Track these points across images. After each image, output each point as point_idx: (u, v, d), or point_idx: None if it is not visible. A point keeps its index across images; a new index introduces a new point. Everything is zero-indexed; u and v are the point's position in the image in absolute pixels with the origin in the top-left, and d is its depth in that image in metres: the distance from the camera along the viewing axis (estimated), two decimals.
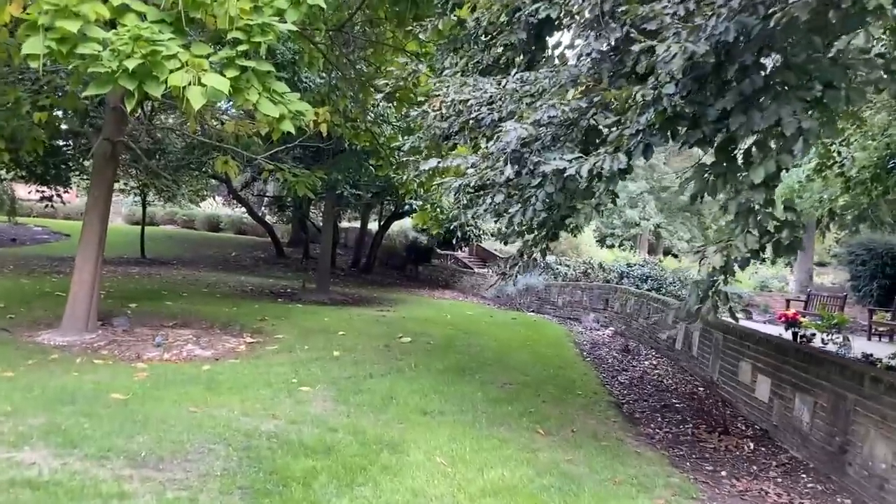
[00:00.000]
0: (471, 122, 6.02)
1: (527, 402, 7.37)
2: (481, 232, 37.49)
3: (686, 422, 7.23)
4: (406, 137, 12.87)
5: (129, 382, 6.79)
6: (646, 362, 10.69)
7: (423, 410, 6.54)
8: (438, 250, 32.89)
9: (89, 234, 10.29)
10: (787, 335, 10.02)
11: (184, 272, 22.66)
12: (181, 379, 7.16)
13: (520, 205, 5.04)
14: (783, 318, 12.55)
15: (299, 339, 10.33)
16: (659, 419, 7.33)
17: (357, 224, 36.96)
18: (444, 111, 6.48)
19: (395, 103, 13.62)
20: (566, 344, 11.72)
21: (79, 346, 9.52)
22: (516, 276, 6.39)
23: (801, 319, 12.52)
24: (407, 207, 22.34)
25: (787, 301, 19.27)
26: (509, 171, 4.57)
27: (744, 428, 7.13)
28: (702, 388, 8.99)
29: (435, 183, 11.89)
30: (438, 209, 13.87)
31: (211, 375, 7.48)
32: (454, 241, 34.56)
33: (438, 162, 5.38)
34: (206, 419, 5.56)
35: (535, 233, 6.14)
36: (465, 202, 6.48)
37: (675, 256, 50.04)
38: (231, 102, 9.91)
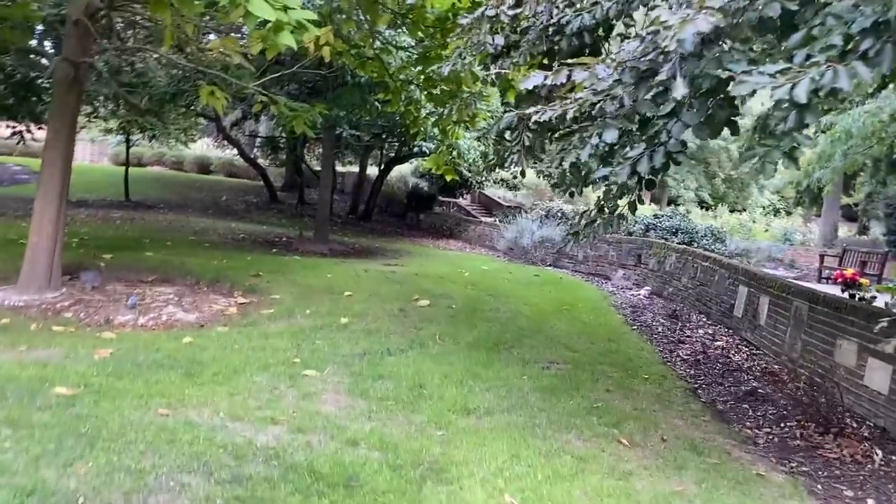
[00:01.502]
0: (550, 28, 4.41)
1: (587, 390, 5.92)
2: (484, 179, 35.89)
3: (785, 417, 5.81)
4: (418, 67, 11.19)
5: (86, 366, 5.27)
6: (700, 331, 9.25)
7: (464, 408, 5.07)
8: (441, 197, 31.23)
9: (50, 174, 8.64)
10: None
11: (170, 217, 21.03)
12: (154, 359, 5.65)
13: (644, 145, 3.44)
14: (840, 279, 11.15)
15: (299, 301, 8.82)
16: (750, 413, 5.90)
17: (354, 168, 35.17)
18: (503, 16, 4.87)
19: (408, 25, 11.87)
20: (605, 308, 10.27)
21: (37, 307, 7.99)
22: (593, 237, 4.85)
23: (862, 280, 11.12)
24: (416, 150, 20.59)
25: (821, 256, 17.87)
26: (681, 89, 2.93)
27: (855, 426, 5.72)
28: (777, 366, 7.58)
29: (483, 117, 10.22)
30: (455, 152, 12.20)
31: (192, 353, 5.97)
32: (458, 188, 32.95)
33: (546, 77, 3.74)
34: (180, 428, 4.07)
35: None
36: (528, 142, 4.92)
37: (677, 205, 48.56)
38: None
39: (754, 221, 33.05)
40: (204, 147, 47.40)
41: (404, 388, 5.46)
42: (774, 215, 42.98)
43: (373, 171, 31.85)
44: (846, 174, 22.13)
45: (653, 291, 12.26)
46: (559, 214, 19.43)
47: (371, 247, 18.74)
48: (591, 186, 5.22)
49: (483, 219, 27.03)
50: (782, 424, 5.60)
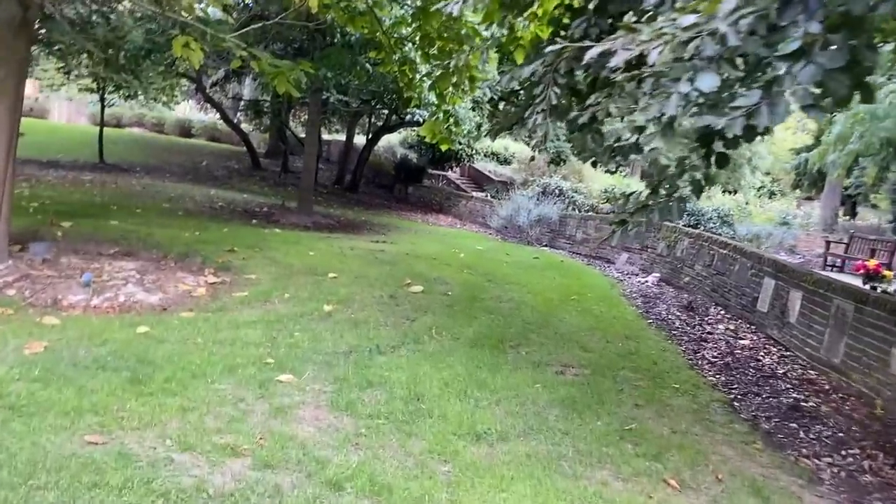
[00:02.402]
0: None
1: (613, 405, 5.03)
2: (473, 151, 34.83)
3: (843, 441, 4.95)
4: (415, 23, 10.11)
5: (9, 366, 4.29)
6: (720, 327, 8.39)
7: (472, 430, 4.15)
8: (430, 170, 30.14)
9: None
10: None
11: (145, 181, 19.87)
12: (97, 356, 4.67)
13: (759, 92, 2.49)
14: (862, 270, 10.35)
15: (277, 283, 7.85)
16: (801, 435, 5.04)
17: (340, 137, 33.92)
18: None
19: None
20: (616, 298, 9.37)
21: None
22: (645, 225, 3.93)
23: (886, 273, 10.34)
24: (408, 118, 19.46)
25: (827, 242, 17.12)
26: (815, 24, 2.01)
27: None
28: (814, 373, 6.73)
29: (484, 78, 9.19)
30: (453, 119, 11.16)
31: (145, 348, 5.00)
32: (448, 161, 31.89)
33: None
34: (111, 465, 3.12)
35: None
36: (555, 100, 3.97)
37: None
38: None
39: (747, 203, 32.34)
40: (187, 110, 45.86)
41: (398, 400, 4.53)
42: (770, 197, 42.35)
43: (360, 140, 30.66)
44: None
45: (662, 278, 11.39)
46: (556, 192, 18.48)
47: (357, 220, 17.72)
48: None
49: (474, 193, 26.03)
50: (843, 452, 4.75)
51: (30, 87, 44.91)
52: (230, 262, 8.70)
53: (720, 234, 13.37)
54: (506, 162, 35.97)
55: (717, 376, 6.37)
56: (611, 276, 11.80)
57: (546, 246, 16.01)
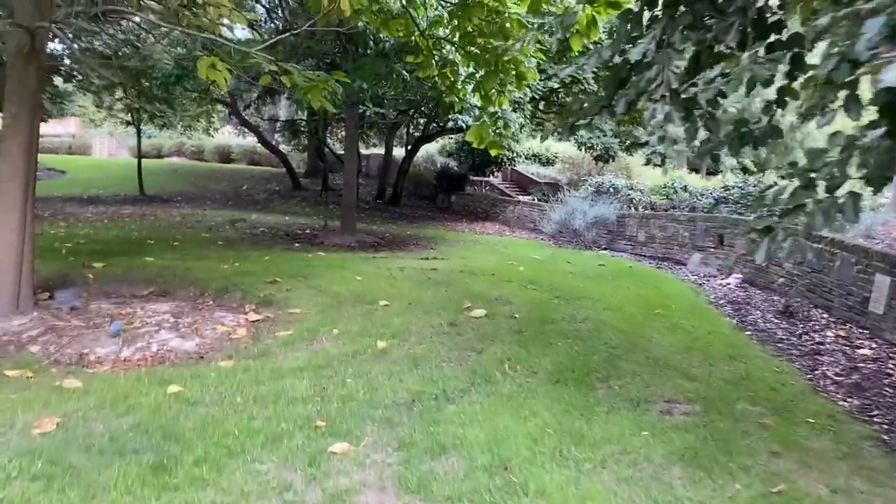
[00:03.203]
0: None
1: (744, 455, 4.05)
2: (515, 154, 33.93)
3: None
4: (454, 21, 9.29)
5: (9, 456, 3.54)
6: (829, 334, 7.29)
7: None
8: (471, 177, 29.29)
9: (9, 172, 6.90)
10: None
11: (185, 211, 19.44)
12: (115, 434, 3.91)
13: None
14: None
15: (325, 316, 7.05)
16: None
17: (377, 150, 33.35)
18: None
19: None
20: (703, 307, 8.34)
21: None
22: (807, 233, 2.98)
23: None
24: (449, 125, 18.63)
25: None
26: None
27: None
28: None
29: (532, 77, 8.35)
30: (501, 122, 10.25)
31: (174, 417, 4.22)
32: (488, 166, 31.04)
33: None
34: None
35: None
36: (675, 82, 3.08)
37: (716, 174, 45.79)
38: None
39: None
40: (226, 135, 45.99)
41: (480, 470, 3.64)
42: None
43: (398, 152, 30.02)
44: None
45: (745, 280, 10.27)
46: (611, 190, 17.40)
47: (402, 235, 16.95)
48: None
49: (519, 198, 25.08)
50: None
51: (73, 125, 45.69)
52: (272, 296, 7.95)
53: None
54: (549, 163, 34.92)
55: (850, 400, 5.32)
56: (687, 280, 10.72)
57: (605, 249, 14.97)
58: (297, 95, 10.06)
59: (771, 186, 3.35)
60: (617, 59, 3.90)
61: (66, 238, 11.94)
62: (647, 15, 3.86)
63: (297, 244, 13.79)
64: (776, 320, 7.82)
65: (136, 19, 21.11)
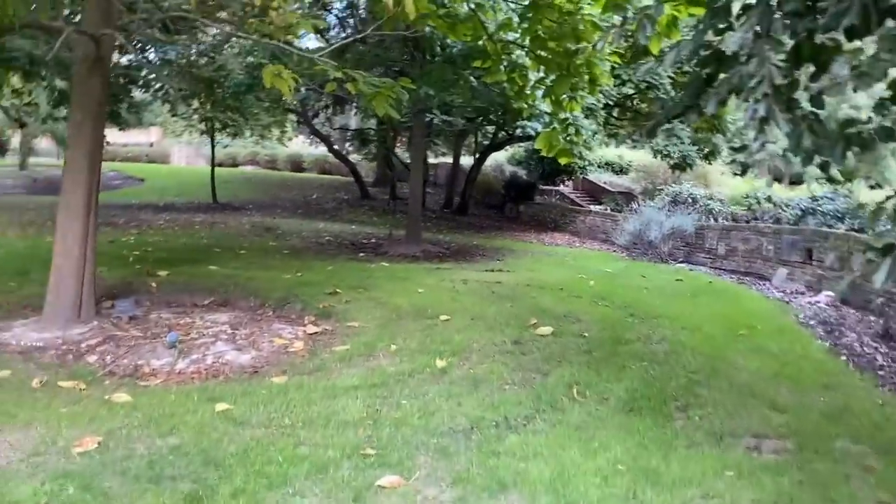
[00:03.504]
0: None
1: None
2: (586, 163, 33.09)
3: None
4: (524, 24, 8.93)
5: (42, 479, 3.37)
6: None
7: None
8: (541, 186, 28.70)
9: (73, 180, 6.95)
10: None
11: (255, 219, 19.65)
12: (155, 458, 3.69)
13: None
14: None
15: (383, 331, 6.77)
16: None
17: (445, 159, 33.17)
18: None
19: None
20: (792, 328, 7.67)
21: (56, 348, 6.32)
22: None
23: None
24: (517, 132, 18.21)
25: None
26: None
27: None
28: None
29: (606, 81, 8.01)
30: (573, 128, 9.78)
31: (219, 438, 4.00)
32: (558, 175, 30.43)
33: None
34: None
35: None
36: (777, 77, 2.64)
37: (798, 183, 43.61)
38: None
39: None
40: (299, 144, 46.83)
41: None
42: None
43: (467, 161, 29.75)
44: None
45: (836, 298, 9.48)
46: (689, 200, 16.62)
47: (468, 246, 16.61)
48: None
49: (591, 207, 24.40)
50: None
51: (153, 134, 47.35)
52: (332, 308, 7.73)
53: None
54: (622, 171, 33.98)
55: None
56: (772, 297, 9.98)
57: (682, 262, 14.24)
58: (362, 103, 9.89)
59: (890, 197, 2.85)
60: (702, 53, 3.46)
61: (136, 245, 12.12)
62: (736, 5, 3.41)
63: (361, 254, 13.65)
64: (874, 344, 7.10)
65: (210, 30, 21.58)
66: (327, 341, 6.67)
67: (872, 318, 8.39)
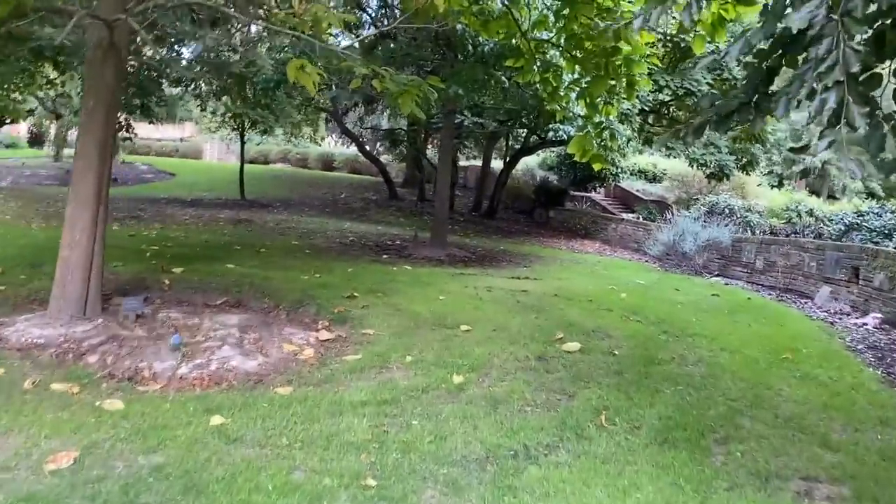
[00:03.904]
0: None
1: None
2: (619, 170, 32.46)
3: None
4: (560, 22, 8.52)
5: (18, 493, 3.02)
6: None
7: None
8: (572, 192, 28.12)
9: (82, 169, 6.66)
10: None
11: (281, 217, 19.46)
12: (134, 477, 3.33)
13: None
14: None
15: (399, 340, 6.38)
16: None
17: (476, 162, 32.75)
18: None
19: None
20: (840, 353, 7.10)
21: (56, 346, 6.01)
22: None
23: None
24: (550, 136, 17.72)
25: None
26: None
27: None
28: None
29: (645, 84, 7.61)
30: (607, 133, 9.30)
31: (207, 458, 3.63)
32: (590, 181, 29.85)
33: None
34: None
35: None
36: (852, 61, 2.17)
37: (835, 198, 42.25)
38: None
39: None
40: (332, 144, 46.76)
41: None
42: None
43: (497, 164, 29.29)
44: None
45: (886, 320, 8.86)
46: (726, 211, 15.98)
47: (495, 251, 16.17)
48: None
49: (623, 215, 23.79)
50: None
51: (188, 129, 47.65)
52: (348, 313, 7.35)
53: None
54: (655, 180, 33.25)
55: None
56: (815, 317, 9.38)
57: (717, 276, 13.63)
58: (389, 101, 9.55)
59: None
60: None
61: (156, 240, 11.90)
62: None
63: (385, 255, 13.29)
64: None
65: (243, 27, 21.38)
66: (340, 349, 6.30)
67: None
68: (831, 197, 43.24)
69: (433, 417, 4.55)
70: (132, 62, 14.90)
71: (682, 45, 19.16)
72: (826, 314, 9.55)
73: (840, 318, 9.26)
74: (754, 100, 2.95)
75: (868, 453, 4.46)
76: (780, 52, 2.84)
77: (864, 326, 8.67)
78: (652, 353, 6.30)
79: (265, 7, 8.39)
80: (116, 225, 14.12)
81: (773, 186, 36.53)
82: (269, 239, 13.78)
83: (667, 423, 4.68)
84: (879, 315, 8.95)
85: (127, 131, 18.40)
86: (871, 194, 45.71)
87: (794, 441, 4.55)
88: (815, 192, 45.15)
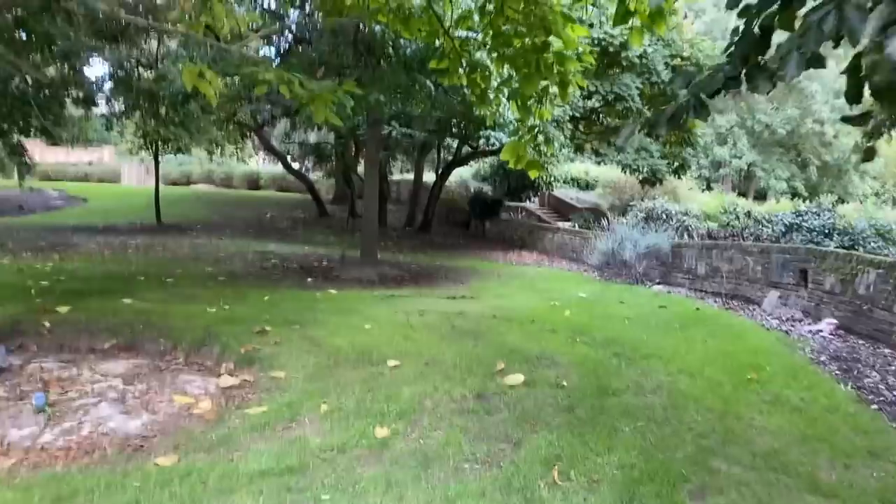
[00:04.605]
0: None
1: None
2: (552, 178, 32.20)
3: None
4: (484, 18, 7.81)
5: None
6: None
7: None
8: (507, 202, 27.61)
9: None
10: None
11: (199, 241, 18.18)
12: None
13: None
14: None
15: (314, 383, 5.45)
16: None
17: (409, 176, 31.96)
18: None
19: None
20: (806, 368, 6.50)
21: None
22: None
23: None
24: (481, 144, 17.02)
25: None
26: None
27: None
28: None
29: (579, 82, 6.89)
30: (542, 136, 8.57)
31: None
32: (524, 191, 29.47)
33: None
34: None
35: None
36: None
37: (764, 198, 43.30)
38: None
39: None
40: (262, 162, 45.22)
41: None
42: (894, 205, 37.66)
43: (430, 177, 28.58)
44: None
45: (840, 326, 8.41)
46: (664, 216, 15.59)
47: (431, 267, 15.34)
48: None
49: (559, 224, 23.34)
50: None
51: (106, 153, 45.28)
52: (256, 352, 6.37)
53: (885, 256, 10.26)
54: (588, 187, 33.18)
55: None
56: (768, 325, 8.86)
57: (659, 283, 13.14)
58: (299, 108, 8.64)
59: None
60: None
61: (50, 274, 10.60)
62: None
63: (309, 279, 12.28)
64: None
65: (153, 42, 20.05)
66: (243, 398, 5.33)
67: (888, 350, 7.30)
68: (758, 198, 44.24)
69: (348, 489, 3.66)
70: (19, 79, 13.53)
71: (611, 49, 18.93)
72: (777, 321, 9.05)
73: (793, 326, 8.76)
74: (743, 72, 2.21)
75: (865, 496, 3.78)
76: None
77: (820, 333, 8.18)
78: (604, 382, 5.54)
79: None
80: (8, 258, 12.69)
81: (703, 190, 36.98)
82: (181, 266, 12.59)
83: (630, 473, 3.90)
84: (833, 321, 8.49)
85: (22, 155, 16.79)
86: (794, 194, 46.98)
87: (779, 486, 3.84)
88: (742, 193, 46.01)
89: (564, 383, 5.48)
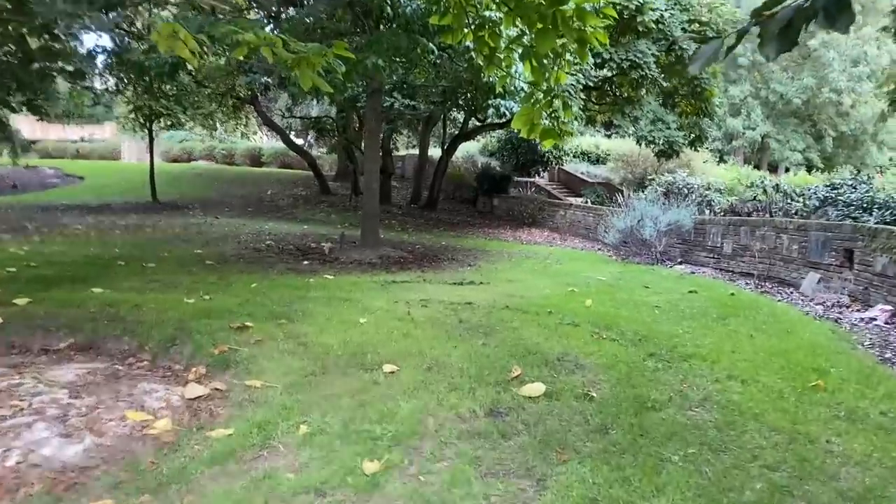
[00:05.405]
0: None
1: None
2: (562, 152, 31.15)
3: None
4: None
5: None
6: None
7: None
8: (515, 178, 26.60)
9: None
10: None
11: (193, 220, 17.32)
12: None
13: None
14: None
15: (294, 395, 4.57)
16: None
17: (414, 151, 30.92)
18: None
19: None
20: (880, 371, 5.56)
21: None
22: None
23: None
24: (490, 115, 15.95)
25: None
26: None
27: None
28: None
29: (602, 38, 5.90)
30: (561, 103, 7.56)
31: None
32: (533, 166, 28.45)
33: None
34: None
35: None
36: None
37: (775, 171, 42.11)
38: None
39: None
40: (264, 138, 44.18)
41: None
42: None
43: (436, 152, 27.58)
44: None
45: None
46: (685, 190, 14.58)
47: (436, 247, 14.43)
48: None
49: (570, 200, 22.37)
50: None
51: (108, 130, 44.44)
52: (233, 353, 5.48)
53: None
54: (599, 161, 32.11)
55: None
56: (812, 311, 7.92)
57: (680, 263, 12.19)
58: (284, 72, 7.69)
59: None
60: None
61: (22, 258, 9.75)
62: None
63: (305, 261, 11.39)
64: None
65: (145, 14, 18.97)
66: (210, 414, 4.45)
67: None
68: (771, 170, 42.98)
69: None
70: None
71: (625, 14, 17.77)
72: (822, 307, 8.11)
73: (841, 313, 7.82)
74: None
75: None
76: None
77: (874, 322, 7.25)
78: (641, 392, 4.63)
79: None
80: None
81: (717, 162, 35.78)
82: (168, 249, 11.72)
83: None
84: (889, 307, 7.54)
85: (3, 131, 15.87)
86: (809, 167, 45.68)
87: None
88: (756, 165, 44.70)
89: (594, 394, 4.58)
